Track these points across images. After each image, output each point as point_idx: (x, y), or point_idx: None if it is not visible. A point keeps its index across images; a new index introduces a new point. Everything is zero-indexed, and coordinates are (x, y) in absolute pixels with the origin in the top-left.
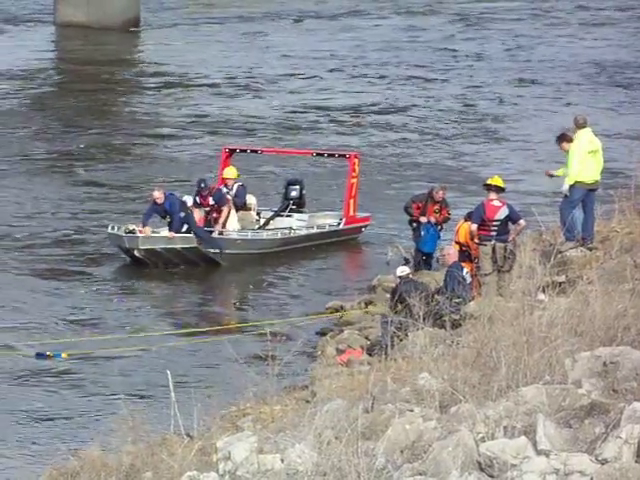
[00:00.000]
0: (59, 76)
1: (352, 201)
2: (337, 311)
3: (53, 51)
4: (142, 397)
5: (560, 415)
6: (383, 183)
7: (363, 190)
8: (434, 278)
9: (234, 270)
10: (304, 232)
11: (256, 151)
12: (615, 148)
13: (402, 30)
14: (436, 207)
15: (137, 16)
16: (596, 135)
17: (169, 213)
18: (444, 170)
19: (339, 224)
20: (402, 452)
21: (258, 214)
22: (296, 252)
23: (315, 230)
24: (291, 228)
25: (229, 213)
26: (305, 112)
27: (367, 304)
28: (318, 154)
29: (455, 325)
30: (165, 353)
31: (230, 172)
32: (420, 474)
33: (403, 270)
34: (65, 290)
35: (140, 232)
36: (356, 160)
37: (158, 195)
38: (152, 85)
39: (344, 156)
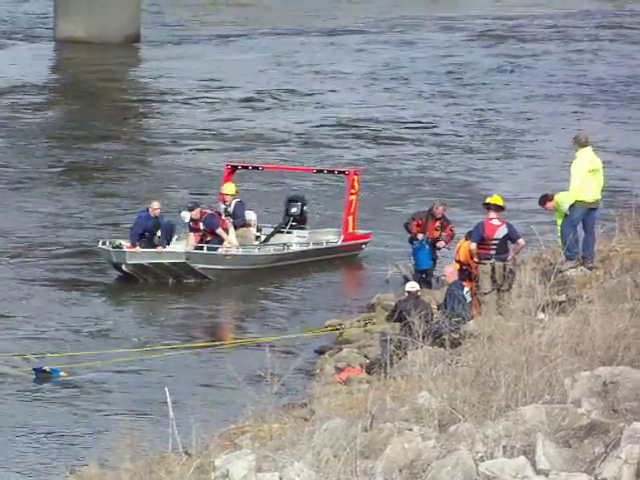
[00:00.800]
0: (59, 91)
1: (351, 218)
2: (336, 329)
3: (53, 66)
4: (140, 414)
5: (560, 435)
6: (392, 199)
7: (370, 206)
8: (434, 297)
9: (234, 285)
10: (298, 248)
11: (257, 168)
12: (623, 165)
13: (424, 46)
14: (437, 224)
15: (137, 32)
16: (606, 152)
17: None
18: (456, 186)
19: (337, 241)
20: (401, 471)
21: (259, 230)
22: (295, 269)
23: (311, 247)
24: (285, 244)
25: (228, 231)
26: (322, 126)
27: (366, 322)
28: (318, 171)
29: (455, 344)
30: (164, 369)
31: (228, 188)
32: None
33: (413, 286)
34: (68, 302)
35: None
36: (355, 177)
37: (156, 206)
38: (152, 100)
39: (343, 173)
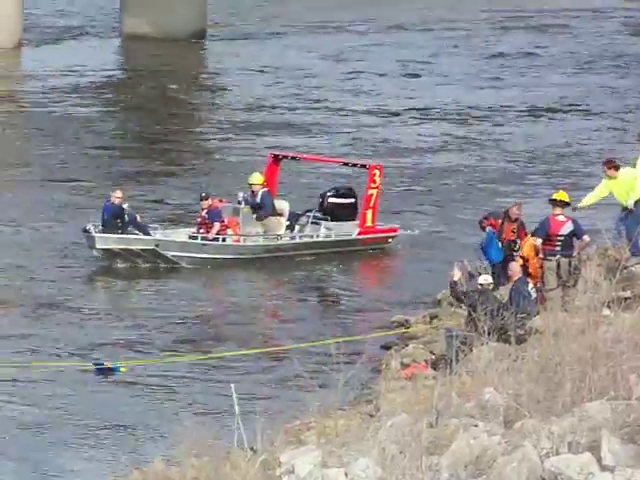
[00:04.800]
0: (123, 87)
1: (370, 212)
2: (402, 325)
3: (118, 62)
4: (206, 410)
5: (625, 431)
6: (463, 199)
7: (439, 202)
8: (499, 293)
9: (299, 282)
10: (295, 240)
11: (295, 157)
12: None
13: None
14: (513, 227)
15: (203, 27)
16: None
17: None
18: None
19: (352, 234)
20: (466, 467)
21: (296, 219)
22: (359, 265)
23: (319, 239)
24: (279, 235)
25: (220, 230)
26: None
27: (432, 318)
28: (344, 163)
29: (520, 340)
30: (228, 367)
31: (255, 178)
32: None
33: (486, 279)
34: (134, 296)
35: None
36: (376, 171)
37: (118, 195)
38: (218, 95)
39: (364, 166)
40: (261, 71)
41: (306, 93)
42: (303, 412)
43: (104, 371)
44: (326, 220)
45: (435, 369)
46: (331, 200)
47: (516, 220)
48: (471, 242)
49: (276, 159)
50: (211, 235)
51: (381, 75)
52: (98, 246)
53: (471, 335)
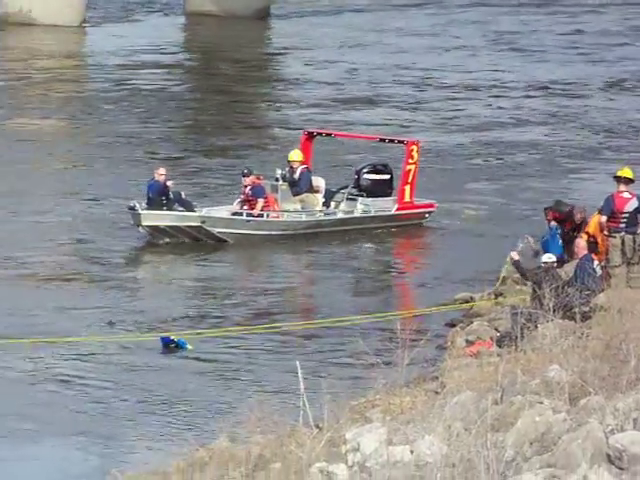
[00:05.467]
0: (186, 65)
1: (408, 187)
2: (467, 302)
3: (181, 40)
4: (270, 388)
5: None
6: (537, 174)
7: (513, 176)
8: (564, 270)
9: (364, 258)
10: (341, 216)
11: (330, 134)
12: None
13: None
14: (575, 227)
15: (267, 5)
16: None
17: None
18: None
19: (391, 210)
20: (531, 444)
21: (330, 196)
22: (420, 241)
23: (357, 215)
24: (321, 211)
25: (264, 207)
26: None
27: (497, 295)
28: (381, 140)
29: (585, 317)
30: (292, 343)
31: (295, 155)
32: (549, 466)
33: (550, 257)
34: (200, 273)
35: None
36: (414, 147)
37: (162, 172)
38: (281, 74)
39: (402, 142)
40: (333, 47)
41: (384, 69)
42: (368, 389)
43: (170, 346)
44: (361, 196)
45: (500, 346)
46: (366, 176)
47: (579, 225)
48: (538, 219)
49: (310, 136)
50: (256, 211)
51: (460, 49)
52: (144, 223)
53: (536, 312)
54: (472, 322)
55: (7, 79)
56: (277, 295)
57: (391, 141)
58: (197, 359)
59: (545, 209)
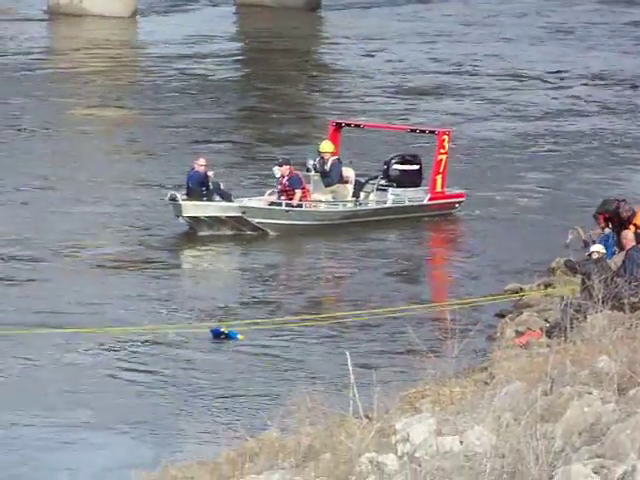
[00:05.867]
0: (237, 57)
1: (440, 177)
2: (516, 293)
3: (232, 31)
4: (321, 378)
5: None
6: (591, 164)
7: (567, 166)
8: (613, 261)
9: (414, 249)
10: (375, 206)
11: (359, 125)
12: None
13: None
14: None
15: None
16: None
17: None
18: None
19: (423, 200)
20: (580, 434)
21: (360, 187)
22: (471, 232)
23: (390, 205)
24: (357, 202)
25: (302, 197)
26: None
27: (546, 286)
28: (412, 130)
29: (634, 308)
30: (342, 335)
31: (326, 146)
32: (598, 456)
33: (599, 248)
34: (249, 265)
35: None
36: (445, 137)
37: (202, 163)
38: (332, 66)
39: (433, 132)
40: (385, 38)
41: (437, 59)
42: (418, 380)
43: (221, 337)
44: (391, 187)
45: (549, 337)
46: (396, 167)
47: (626, 221)
48: (591, 209)
49: (338, 127)
50: (295, 201)
51: (511, 41)
52: (185, 214)
53: (585, 303)
54: (522, 313)
55: (68, 67)
56: (327, 285)
57: (422, 131)
58: (247, 349)
59: (594, 215)
